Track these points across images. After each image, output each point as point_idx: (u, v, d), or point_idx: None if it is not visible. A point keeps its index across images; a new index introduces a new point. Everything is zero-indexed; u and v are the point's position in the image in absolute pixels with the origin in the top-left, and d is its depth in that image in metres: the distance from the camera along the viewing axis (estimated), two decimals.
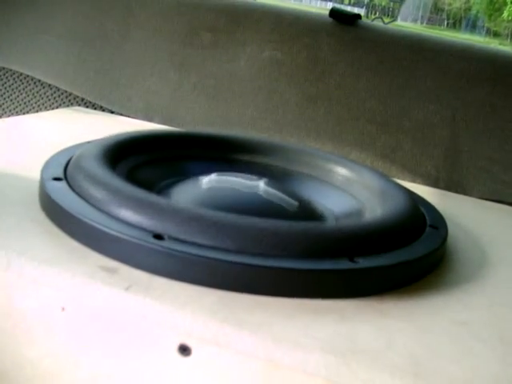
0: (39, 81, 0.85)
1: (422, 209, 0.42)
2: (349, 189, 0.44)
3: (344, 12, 0.76)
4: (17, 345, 0.29)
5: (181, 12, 0.80)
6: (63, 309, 0.27)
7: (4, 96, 0.87)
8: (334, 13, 0.75)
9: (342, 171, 0.46)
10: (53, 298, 0.28)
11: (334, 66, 0.73)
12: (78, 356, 0.28)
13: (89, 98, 0.82)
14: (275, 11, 0.77)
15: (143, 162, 0.43)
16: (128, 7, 0.81)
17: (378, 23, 0.88)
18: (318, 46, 0.74)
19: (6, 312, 0.29)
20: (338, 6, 0.81)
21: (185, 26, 0.79)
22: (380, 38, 0.73)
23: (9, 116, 0.87)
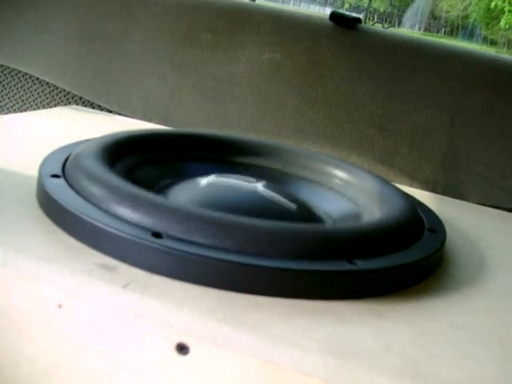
0: (37, 79, 0.85)
1: (421, 212, 0.42)
2: (347, 192, 0.44)
3: (344, 15, 0.76)
4: (13, 342, 0.28)
5: (181, 13, 0.80)
6: (60, 306, 0.27)
7: (2, 94, 0.87)
8: (334, 16, 0.75)
9: (340, 174, 0.46)
10: (50, 295, 0.27)
11: (333, 70, 0.73)
12: (75, 353, 0.27)
13: (87, 97, 0.82)
14: (275, 13, 0.77)
15: (141, 162, 0.43)
16: (128, 7, 0.81)
17: (378, 28, 0.88)
18: (317, 49, 0.74)
19: (3, 309, 0.28)
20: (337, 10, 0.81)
21: (184, 27, 0.79)
22: (380, 42, 0.73)
23: (6, 113, 0.87)
